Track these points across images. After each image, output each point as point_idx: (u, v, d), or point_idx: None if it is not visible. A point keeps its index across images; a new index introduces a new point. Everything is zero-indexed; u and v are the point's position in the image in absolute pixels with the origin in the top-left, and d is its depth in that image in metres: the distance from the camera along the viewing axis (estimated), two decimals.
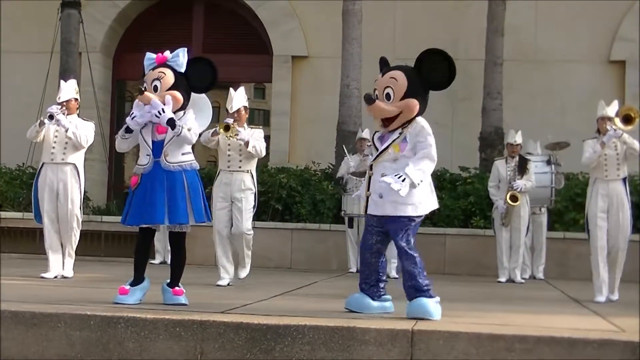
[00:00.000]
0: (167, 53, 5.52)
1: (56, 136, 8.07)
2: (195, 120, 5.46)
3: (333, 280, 9.22)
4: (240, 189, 7.92)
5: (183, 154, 5.43)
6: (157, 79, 5.39)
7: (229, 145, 7.95)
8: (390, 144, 5.13)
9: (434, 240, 11.18)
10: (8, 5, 15.29)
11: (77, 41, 13.81)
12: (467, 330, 4.39)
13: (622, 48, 14.28)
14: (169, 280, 5.50)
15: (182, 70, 5.46)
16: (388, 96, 5.08)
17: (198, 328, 4.52)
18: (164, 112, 5.28)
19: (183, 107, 5.46)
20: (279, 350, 4.42)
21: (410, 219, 5.07)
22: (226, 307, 5.26)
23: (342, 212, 10.87)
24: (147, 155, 5.41)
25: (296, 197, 12.13)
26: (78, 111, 8.31)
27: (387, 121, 5.13)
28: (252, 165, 8.09)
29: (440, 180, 12.00)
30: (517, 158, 10.37)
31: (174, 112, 5.37)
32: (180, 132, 5.30)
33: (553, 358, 4.21)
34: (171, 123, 5.29)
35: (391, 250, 6.87)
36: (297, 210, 12.05)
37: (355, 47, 12.94)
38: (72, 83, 8.45)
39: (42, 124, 8.03)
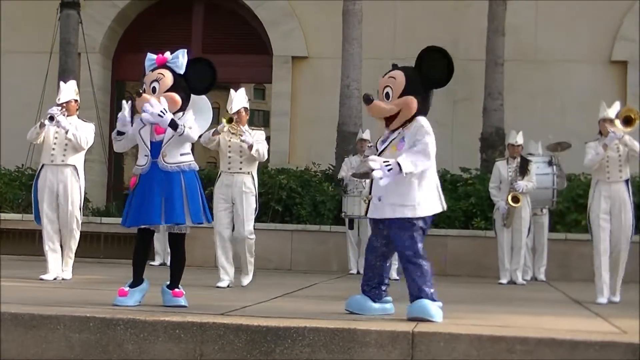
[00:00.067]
0: (167, 54, 5.50)
1: (56, 137, 8.05)
2: (195, 121, 5.44)
3: (333, 282, 9.20)
4: (241, 191, 7.89)
5: (182, 155, 5.41)
6: (156, 80, 5.37)
7: (229, 146, 7.92)
8: (389, 144, 5.12)
9: (435, 242, 11.15)
10: (7, 6, 15.29)
11: (76, 42, 13.80)
12: (468, 332, 4.37)
13: (623, 48, 14.26)
14: (168, 282, 5.49)
15: (182, 71, 5.44)
16: (387, 95, 5.08)
17: (197, 330, 4.50)
18: (166, 111, 5.26)
19: (182, 109, 5.44)
20: (279, 353, 4.40)
21: (410, 221, 5.00)
22: (226, 308, 5.24)
23: (343, 214, 10.85)
24: (146, 155, 5.40)
25: (296, 199, 12.11)
26: (78, 112, 8.30)
27: (388, 121, 5.12)
28: (253, 167, 8.06)
29: (441, 181, 11.84)
30: (518, 159, 10.35)
31: (173, 114, 5.34)
32: (183, 132, 5.29)
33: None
34: (173, 124, 5.27)
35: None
36: (297, 211, 12.03)
37: (356, 48, 12.92)
38: (72, 84, 8.43)
39: (42, 125, 8.01)
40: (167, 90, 5.34)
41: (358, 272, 10.76)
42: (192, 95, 5.53)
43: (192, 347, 4.47)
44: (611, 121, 7.53)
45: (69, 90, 8.23)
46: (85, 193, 8.63)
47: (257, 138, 7.92)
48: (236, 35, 15.76)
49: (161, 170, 5.34)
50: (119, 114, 5.50)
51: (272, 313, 5.06)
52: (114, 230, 11.64)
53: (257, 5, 15.19)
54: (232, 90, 8.09)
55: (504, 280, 10.25)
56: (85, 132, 8.09)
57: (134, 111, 5.56)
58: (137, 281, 5.41)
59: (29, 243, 11.56)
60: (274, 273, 10.52)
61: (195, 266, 9.76)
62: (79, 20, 13.80)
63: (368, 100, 5.06)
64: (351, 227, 10.94)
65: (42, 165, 8.12)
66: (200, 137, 5.87)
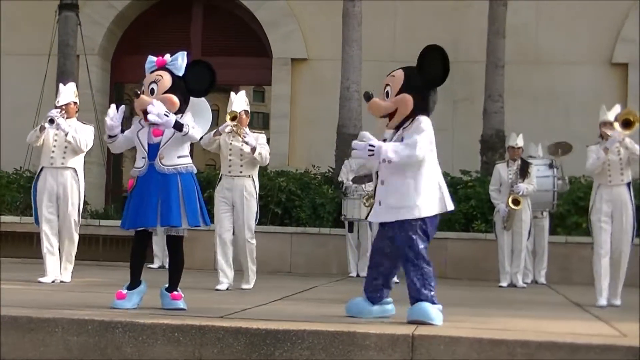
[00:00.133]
0: (167, 56, 5.49)
1: (55, 140, 8.03)
2: (194, 123, 5.42)
3: (333, 285, 9.19)
4: (241, 195, 7.87)
5: (179, 157, 5.40)
6: (154, 81, 5.36)
7: (230, 149, 7.90)
8: None
9: (435, 245, 11.06)
10: (7, 6, 15.27)
11: (75, 44, 13.77)
12: (468, 335, 4.35)
13: (624, 50, 14.23)
14: (167, 285, 5.47)
15: (181, 73, 5.42)
16: (387, 94, 5.12)
17: (197, 333, 4.48)
18: (169, 113, 5.24)
19: (181, 111, 5.41)
20: (278, 356, 4.38)
21: (409, 222, 4.99)
22: (225, 311, 5.22)
23: (342, 217, 10.83)
24: (143, 158, 5.38)
25: (296, 201, 12.09)
26: (77, 115, 8.27)
27: (389, 119, 5.13)
28: (254, 170, 8.04)
29: None
30: (518, 161, 10.34)
31: None
32: (188, 132, 5.28)
33: None
34: (177, 125, 5.25)
35: None
36: (296, 214, 12.01)
37: (355, 49, 12.90)
38: (71, 86, 8.42)
39: (42, 128, 7.99)
40: (166, 92, 5.32)
41: (358, 275, 10.75)
42: (191, 98, 5.51)
43: (191, 350, 4.45)
44: (611, 124, 7.53)
45: (68, 93, 8.21)
46: (85, 196, 8.60)
47: (259, 142, 7.91)
48: (235, 37, 15.75)
49: (158, 172, 5.32)
50: (106, 118, 5.45)
51: (271, 316, 5.04)
52: (113, 233, 11.62)
53: (256, 7, 15.18)
54: (232, 93, 8.07)
55: (504, 283, 10.23)
56: (84, 134, 8.07)
57: (132, 113, 5.55)
58: (134, 283, 5.40)
59: (27, 245, 11.54)
60: (274, 276, 10.49)
61: (195, 269, 9.74)
62: (78, 22, 13.77)
63: (368, 97, 5.13)
64: (351, 230, 10.92)
65: (42, 168, 8.10)
66: (200, 139, 5.85)
